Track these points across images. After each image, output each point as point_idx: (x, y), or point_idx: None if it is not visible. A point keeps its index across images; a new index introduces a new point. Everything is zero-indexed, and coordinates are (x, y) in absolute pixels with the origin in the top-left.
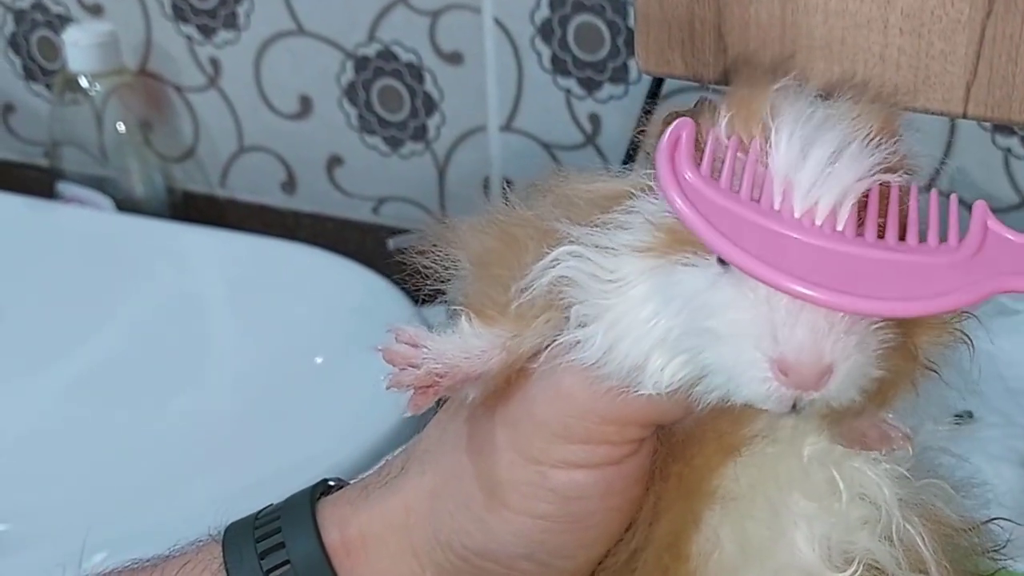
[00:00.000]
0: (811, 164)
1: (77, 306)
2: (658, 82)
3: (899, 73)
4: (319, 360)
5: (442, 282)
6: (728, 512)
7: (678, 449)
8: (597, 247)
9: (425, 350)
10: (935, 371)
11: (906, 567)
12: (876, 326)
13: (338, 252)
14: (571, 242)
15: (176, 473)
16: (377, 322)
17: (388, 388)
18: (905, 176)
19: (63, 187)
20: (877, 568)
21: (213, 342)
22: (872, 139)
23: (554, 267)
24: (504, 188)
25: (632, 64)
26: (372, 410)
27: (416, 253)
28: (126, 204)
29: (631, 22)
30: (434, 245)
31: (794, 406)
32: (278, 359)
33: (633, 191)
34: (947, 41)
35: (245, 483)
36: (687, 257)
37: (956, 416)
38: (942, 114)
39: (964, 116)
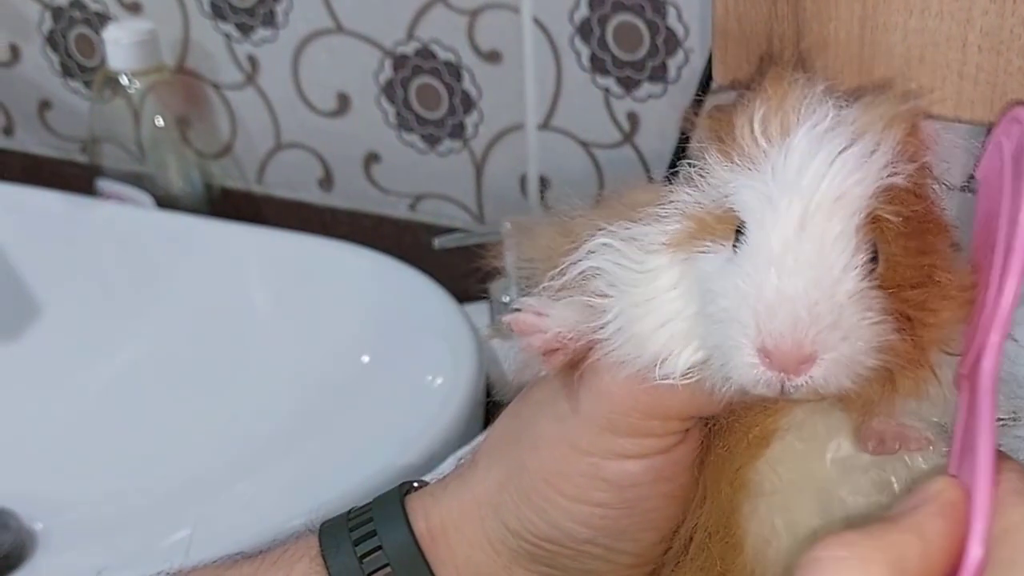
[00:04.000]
0: (811, 169)
1: (118, 302)
2: (707, 79)
3: (976, 89)
4: (365, 359)
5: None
6: (775, 503)
7: (714, 439)
8: (629, 239)
9: (549, 318)
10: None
11: None
12: (872, 321)
13: (375, 249)
14: (605, 235)
15: (222, 472)
16: (420, 319)
17: (522, 353)
18: (927, 182)
19: (102, 184)
20: None
21: (255, 339)
22: (885, 145)
23: (587, 258)
24: (541, 186)
25: (671, 63)
26: (419, 408)
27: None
28: (163, 200)
29: (670, 22)
30: (515, 243)
31: (782, 389)
32: (322, 356)
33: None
34: None
35: (296, 481)
36: (708, 245)
37: (1002, 418)
38: None
39: None
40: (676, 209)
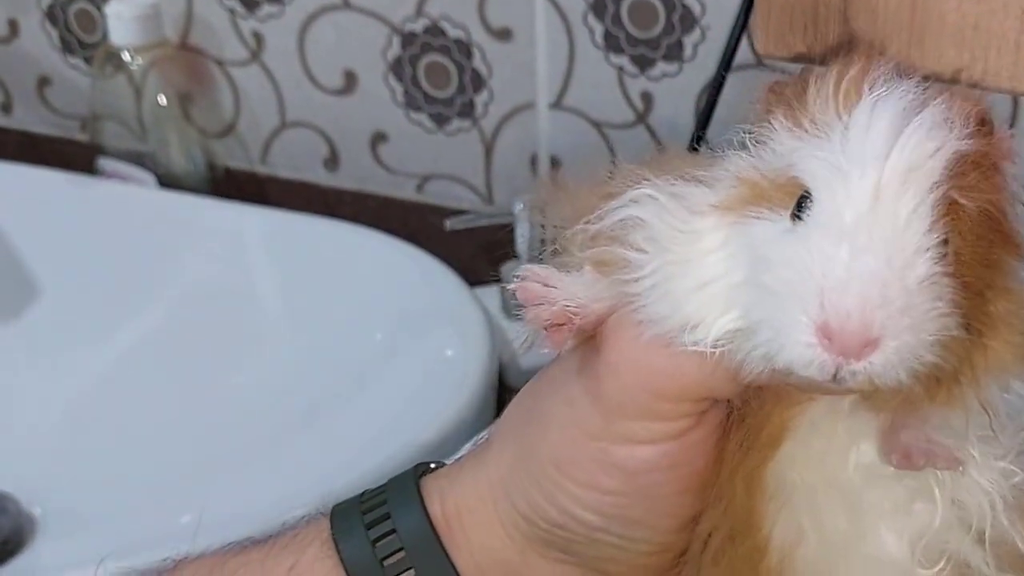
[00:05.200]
0: (883, 137)
1: (119, 283)
2: (730, 55)
3: None
4: (375, 341)
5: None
6: (798, 504)
7: (727, 433)
8: (675, 196)
9: (556, 290)
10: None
11: (1005, 566)
12: (940, 312)
13: (381, 231)
14: (650, 186)
15: (227, 457)
16: (429, 302)
17: (526, 325)
18: (1005, 185)
19: (103, 162)
20: (967, 566)
21: (256, 321)
22: (961, 122)
23: (629, 206)
24: (552, 167)
25: (687, 41)
26: (430, 391)
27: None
28: (165, 179)
29: None
30: (546, 205)
31: (835, 376)
32: (328, 340)
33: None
34: None
35: (304, 464)
36: (762, 211)
37: None
38: None
39: None
40: (728, 173)
